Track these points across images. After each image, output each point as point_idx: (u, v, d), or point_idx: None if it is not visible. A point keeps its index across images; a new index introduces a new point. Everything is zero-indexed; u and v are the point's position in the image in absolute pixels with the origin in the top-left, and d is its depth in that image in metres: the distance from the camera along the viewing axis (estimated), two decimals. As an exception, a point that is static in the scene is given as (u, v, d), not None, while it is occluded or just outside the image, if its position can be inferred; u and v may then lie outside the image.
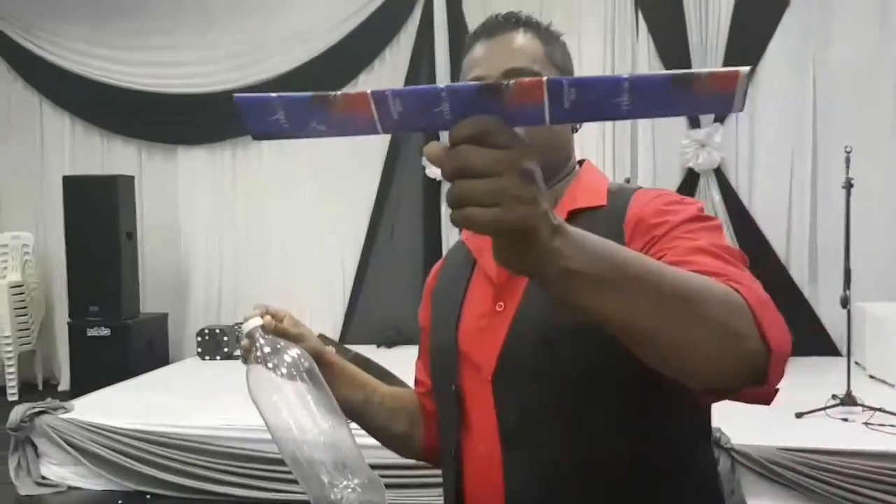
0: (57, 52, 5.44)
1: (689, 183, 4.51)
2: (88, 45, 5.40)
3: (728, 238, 0.91)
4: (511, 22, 1.00)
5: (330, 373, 0.99)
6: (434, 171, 4.98)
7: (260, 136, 0.62)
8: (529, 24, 1.00)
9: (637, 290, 0.63)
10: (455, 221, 0.57)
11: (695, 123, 4.52)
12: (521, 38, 0.98)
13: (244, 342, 0.92)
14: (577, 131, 1.04)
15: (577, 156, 1.04)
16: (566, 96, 0.54)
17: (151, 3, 5.31)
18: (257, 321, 0.92)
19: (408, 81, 5.01)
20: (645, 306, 0.64)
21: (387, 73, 5.13)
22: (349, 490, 0.82)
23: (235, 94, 0.60)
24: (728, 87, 0.53)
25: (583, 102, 0.55)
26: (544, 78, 0.54)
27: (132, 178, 5.19)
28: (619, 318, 0.64)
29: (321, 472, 0.83)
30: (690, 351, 0.66)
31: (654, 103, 0.55)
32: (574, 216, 0.94)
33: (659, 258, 0.76)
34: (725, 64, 4.43)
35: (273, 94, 0.58)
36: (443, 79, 4.91)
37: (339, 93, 0.57)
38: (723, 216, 4.41)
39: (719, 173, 4.52)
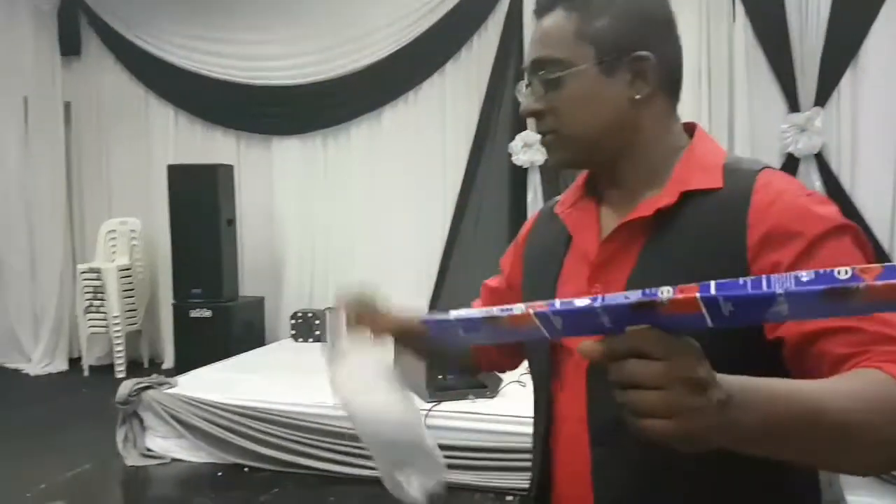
0: (161, 47, 5.71)
1: (789, 168, 4.32)
2: (190, 40, 5.65)
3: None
4: (542, 2, 0.93)
5: (419, 340, 1.04)
6: (521, 159, 4.97)
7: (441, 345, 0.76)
8: (545, 5, 0.92)
9: (802, 439, 0.65)
10: (635, 430, 0.60)
11: (794, 107, 4.34)
12: (548, 21, 0.92)
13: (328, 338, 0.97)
14: (639, 102, 0.91)
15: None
16: (723, 309, 0.55)
17: (234, 11, 5.51)
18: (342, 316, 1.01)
19: (494, 72, 5.02)
20: (808, 450, 0.67)
21: (474, 62, 5.14)
22: (411, 470, 0.94)
23: (423, 319, 0.72)
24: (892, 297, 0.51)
25: (740, 312, 0.55)
26: (697, 295, 0.54)
27: (231, 166, 5.41)
28: (784, 458, 0.68)
29: (391, 453, 0.94)
30: (851, 469, 0.72)
31: (811, 312, 0.56)
32: (687, 199, 0.87)
33: (803, 334, 0.76)
34: (826, 50, 4.23)
35: (452, 317, 0.67)
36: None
37: (505, 315, 0.63)
38: (824, 203, 4.21)
39: (820, 159, 4.32)
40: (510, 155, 5.00)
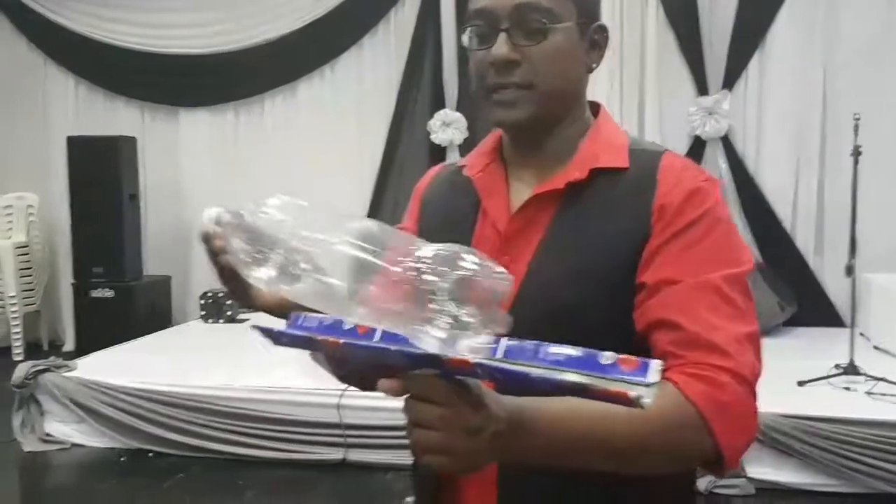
0: (60, 13, 5.38)
1: (696, 151, 4.46)
2: (91, 6, 5.34)
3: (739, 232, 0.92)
4: None
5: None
6: (440, 138, 4.94)
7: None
8: None
9: (582, 456, 0.75)
10: (418, 460, 0.68)
11: (703, 90, 4.46)
12: None
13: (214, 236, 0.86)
14: (592, 71, 0.94)
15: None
16: (494, 374, 0.63)
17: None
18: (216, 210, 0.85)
19: (413, 47, 4.96)
20: (591, 463, 0.76)
21: (392, 36, 5.07)
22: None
23: (254, 326, 0.74)
24: (620, 400, 0.60)
25: (507, 379, 0.64)
26: (474, 362, 0.61)
27: (134, 139, 5.16)
28: (569, 466, 0.76)
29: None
30: (644, 473, 0.80)
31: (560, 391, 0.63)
32: (595, 176, 0.89)
33: (657, 281, 0.83)
34: (734, 35, 4.35)
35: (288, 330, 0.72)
36: (449, 40, 4.84)
37: (328, 338, 0.68)
38: (729, 185, 4.37)
39: (726, 141, 4.46)
40: (429, 133, 4.96)
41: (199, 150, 5.42)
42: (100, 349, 4.15)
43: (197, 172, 5.44)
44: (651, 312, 0.83)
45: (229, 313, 4.90)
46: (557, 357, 0.62)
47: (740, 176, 4.43)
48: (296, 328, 0.71)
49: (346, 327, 0.68)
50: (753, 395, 0.80)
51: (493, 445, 0.67)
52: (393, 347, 0.64)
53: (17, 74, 5.55)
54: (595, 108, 0.98)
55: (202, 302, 4.97)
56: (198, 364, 3.81)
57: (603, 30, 0.93)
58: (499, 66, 0.88)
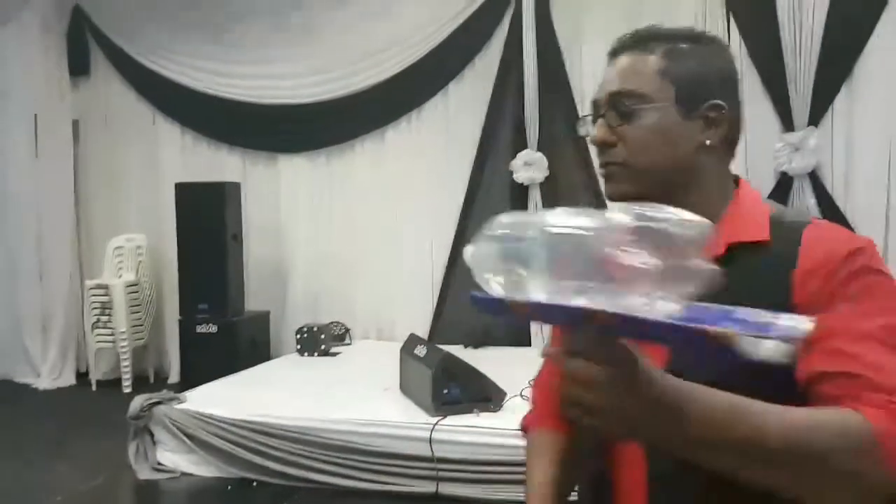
0: (167, 66, 5.81)
1: (783, 187, 4.44)
2: (196, 59, 5.75)
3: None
4: (627, 41, 1.00)
5: None
6: (522, 177, 5.08)
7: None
8: (648, 39, 0.98)
9: (742, 454, 0.72)
10: (574, 420, 0.71)
11: (788, 126, 4.44)
12: (631, 59, 0.98)
13: None
14: (711, 147, 0.97)
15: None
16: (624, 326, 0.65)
17: (253, 19, 5.62)
18: None
19: (496, 92, 5.14)
20: (750, 467, 0.72)
21: (476, 82, 5.25)
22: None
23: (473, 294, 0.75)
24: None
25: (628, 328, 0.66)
26: (607, 311, 0.63)
27: (238, 184, 5.51)
28: (727, 471, 0.74)
29: None
30: (810, 497, 0.74)
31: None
32: (734, 251, 0.90)
33: (816, 337, 0.71)
34: (820, 71, 4.32)
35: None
36: (531, 84, 5.00)
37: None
38: (818, 221, 4.31)
39: (814, 177, 4.42)
40: (511, 172, 5.11)
41: (297, 193, 5.73)
42: (203, 382, 4.37)
43: (294, 214, 5.75)
44: (813, 365, 0.82)
45: (323, 347, 5.12)
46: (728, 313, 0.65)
47: (830, 212, 4.36)
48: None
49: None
50: None
51: (649, 414, 0.69)
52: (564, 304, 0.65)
53: (130, 125, 5.99)
54: (735, 180, 1.01)
55: (298, 336, 5.21)
56: (295, 396, 3.99)
57: (719, 108, 0.96)
58: (598, 147, 0.99)
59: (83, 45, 5.96)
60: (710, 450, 0.72)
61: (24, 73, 5.78)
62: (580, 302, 0.64)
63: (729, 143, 0.99)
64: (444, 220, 5.31)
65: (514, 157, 5.11)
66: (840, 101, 4.40)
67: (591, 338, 0.67)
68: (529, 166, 5.07)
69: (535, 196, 5.11)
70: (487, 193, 5.25)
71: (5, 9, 5.72)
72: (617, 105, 0.97)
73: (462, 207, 5.27)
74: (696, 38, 0.99)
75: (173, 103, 5.88)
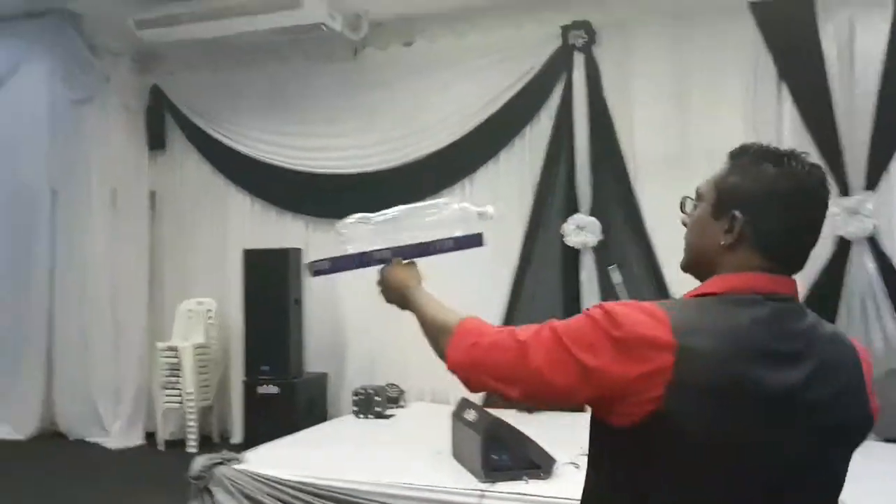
0: (238, 140, 6.17)
1: (841, 252, 4.37)
2: (264, 133, 6.09)
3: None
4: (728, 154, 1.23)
5: None
6: (573, 241, 5.14)
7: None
8: (733, 154, 1.20)
9: (419, 321, 1.43)
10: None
11: (844, 190, 4.40)
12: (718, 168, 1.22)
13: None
14: (728, 248, 1.14)
15: None
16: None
17: (316, 96, 5.94)
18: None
19: (547, 160, 5.28)
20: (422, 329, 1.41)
21: (527, 151, 5.41)
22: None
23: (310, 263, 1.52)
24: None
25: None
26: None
27: (300, 250, 5.74)
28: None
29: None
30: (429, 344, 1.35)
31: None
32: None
33: None
34: (875, 135, 4.30)
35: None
36: (582, 149, 5.12)
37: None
38: (878, 285, 4.24)
39: (872, 242, 4.34)
40: (563, 236, 5.18)
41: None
42: (264, 442, 4.51)
43: (351, 278, 5.89)
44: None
45: (378, 409, 5.20)
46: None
47: (889, 276, 4.27)
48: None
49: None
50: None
51: (390, 295, 1.55)
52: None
53: (203, 195, 6.35)
54: (789, 287, 1.15)
55: (354, 398, 5.32)
56: (348, 458, 4.05)
57: (734, 218, 1.13)
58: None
59: (160, 121, 6.40)
60: (413, 313, 1.43)
61: (105, 148, 6.22)
62: (373, 248, 1.51)
63: (758, 248, 1.13)
64: (497, 285, 5.39)
65: (565, 220, 5.19)
66: (896, 165, 4.35)
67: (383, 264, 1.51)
68: (581, 230, 5.13)
69: (587, 260, 5.15)
70: (540, 258, 5.32)
71: (88, 87, 6.20)
72: (694, 198, 1.24)
73: (515, 272, 5.34)
74: (755, 157, 1.16)
75: (243, 174, 6.21)
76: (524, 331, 1.15)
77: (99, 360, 6.21)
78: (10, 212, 6.31)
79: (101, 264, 6.22)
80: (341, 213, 6.11)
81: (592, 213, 5.12)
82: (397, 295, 1.49)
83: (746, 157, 1.16)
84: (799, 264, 1.15)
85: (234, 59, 6.12)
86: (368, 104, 5.79)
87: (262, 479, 3.86)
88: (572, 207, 5.19)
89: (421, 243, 1.49)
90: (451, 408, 4.14)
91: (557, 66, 5.27)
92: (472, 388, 1.22)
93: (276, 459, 4.11)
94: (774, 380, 1.03)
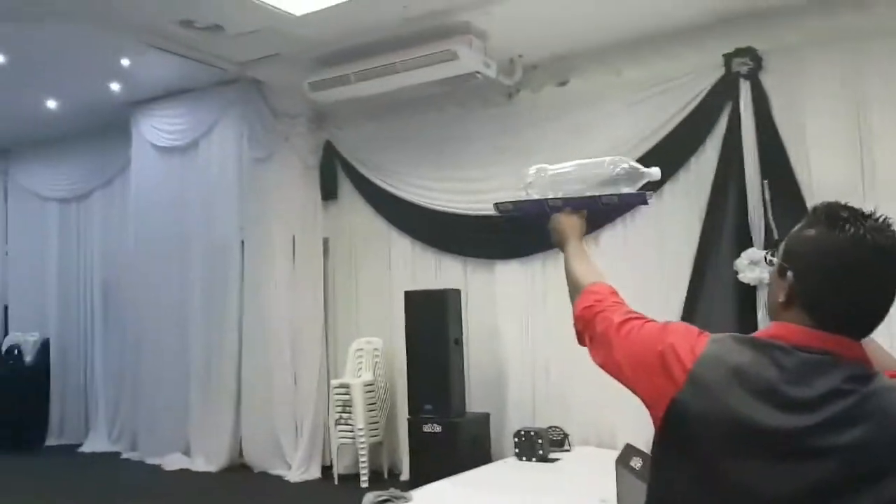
0: (400, 187, 6.48)
1: None
2: (422, 179, 6.36)
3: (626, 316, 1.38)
4: None
5: None
6: (748, 277, 4.86)
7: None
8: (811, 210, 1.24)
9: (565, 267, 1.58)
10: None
11: None
12: None
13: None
14: (784, 305, 1.18)
15: None
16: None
17: (470, 142, 6.12)
18: None
19: (714, 192, 5.07)
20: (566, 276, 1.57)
21: (692, 184, 5.24)
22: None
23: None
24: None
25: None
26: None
27: (458, 290, 5.88)
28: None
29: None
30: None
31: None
32: None
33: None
34: None
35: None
36: (753, 185, 4.88)
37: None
38: None
39: None
40: (736, 273, 4.92)
41: (513, 297, 5.97)
42: (429, 480, 4.61)
43: (511, 318, 5.96)
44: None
45: (541, 452, 5.15)
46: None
47: None
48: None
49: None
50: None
51: (556, 236, 1.67)
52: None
53: (369, 239, 6.71)
54: (857, 355, 1.15)
55: (516, 440, 5.31)
56: (510, 503, 4.07)
57: (785, 277, 1.17)
58: None
59: (332, 173, 6.87)
60: (565, 261, 1.59)
61: (284, 201, 6.76)
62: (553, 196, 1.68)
63: (807, 310, 1.15)
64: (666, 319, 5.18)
65: (737, 255, 4.93)
66: None
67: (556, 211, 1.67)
68: (756, 265, 4.85)
69: (763, 296, 4.85)
70: (710, 296, 5.08)
71: (269, 146, 6.78)
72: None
73: (683, 309, 5.13)
74: (815, 217, 1.17)
75: (404, 218, 6.49)
76: (627, 314, 1.34)
77: (280, 397, 6.65)
78: (207, 261, 6.98)
79: (281, 307, 6.70)
80: (498, 254, 6.29)
81: (766, 247, 4.83)
82: (559, 241, 1.64)
83: (812, 216, 1.17)
84: (863, 328, 1.14)
85: (395, 111, 6.45)
86: (524, 145, 5.86)
87: (428, 519, 3.95)
88: (744, 241, 4.93)
89: (590, 196, 1.62)
90: (616, 453, 4.02)
91: (721, 95, 5.08)
92: (580, 342, 1.43)
93: (441, 500, 4.20)
94: (774, 420, 1.06)
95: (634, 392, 1.24)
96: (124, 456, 7.53)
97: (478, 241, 6.07)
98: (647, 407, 1.20)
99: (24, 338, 8.72)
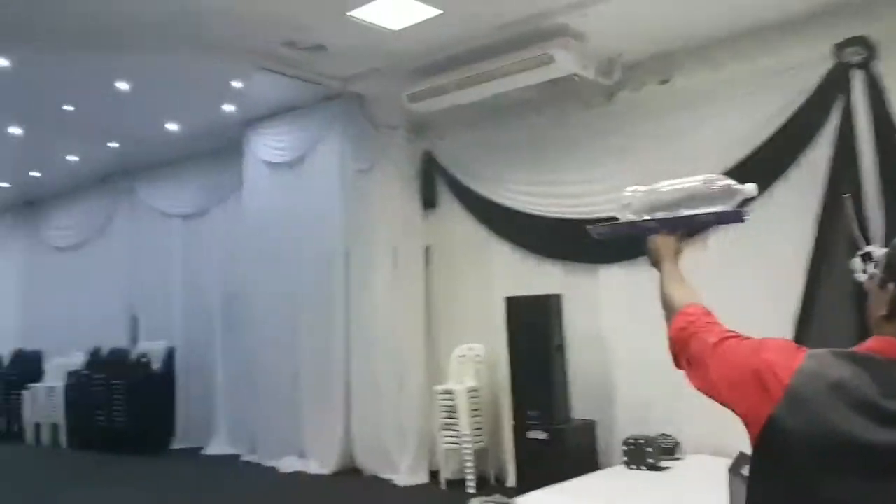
0: (499, 193, 6.51)
1: None
2: (521, 185, 6.36)
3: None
4: None
5: None
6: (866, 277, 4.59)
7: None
8: None
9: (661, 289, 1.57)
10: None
11: None
12: None
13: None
14: (885, 317, 1.14)
15: None
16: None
17: (570, 142, 6.08)
18: None
19: (829, 190, 4.81)
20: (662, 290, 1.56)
21: (804, 180, 4.97)
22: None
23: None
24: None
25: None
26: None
27: (559, 295, 5.83)
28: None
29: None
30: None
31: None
32: None
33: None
34: None
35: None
36: (870, 180, 4.60)
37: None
38: None
39: None
40: (853, 272, 4.65)
41: (617, 302, 5.86)
42: (535, 487, 4.60)
43: (615, 324, 5.86)
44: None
45: (651, 460, 5.03)
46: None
47: None
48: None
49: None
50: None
51: (653, 257, 1.64)
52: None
53: (469, 247, 6.77)
54: None
55: (624, 448, 5.21)
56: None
57: (887, 289, 1.15)
58: None
59: (431, 183, 6.99)
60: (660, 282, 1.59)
61: (385, 211, 6.93)
62: (648, 217, 1.66)
63: None
64: (778, 326, 4.96)
65: (854, 255, 4.66)
66: None
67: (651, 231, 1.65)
68: (876, 266, 4.56)
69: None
70: (827, 299, 4.82)
71: (370, 158, 6.99)
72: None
73: (798, 315, 4.89)
74: None
75: (504, 225, 6.51)
76: (722, 334, 1.32)
77: (386, 403, 6.81)
78: (315, 271, 7.25)
79: (385, 314, 6.87)
80: (600, 259, 6.19)
81: (887, 245, 4.52)
82: (654, 262, 1.65)
83: None
84: None
85: (493, 117, 6.49)
86: (623, 147, 5.76)
87: (534, 526, 3.95)
88: (862, 240, 4.65)
89: (685, 216, 1.62)
90: (730, 462, 3.88)
91: (832, 87, 4.83)
92: (677, 365, 1.42)
93: (545, 506, 4.19)
94: (873, 434, 1.04)
95: (733, 411, 1.22)
96: (244, 458, 7.92)
97: (579, 245, 6.00)
98: (746, 425, 1.19)
99: (153, 346, 9.34)
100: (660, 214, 1.66)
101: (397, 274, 6.92)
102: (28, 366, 10.71)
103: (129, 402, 8.82)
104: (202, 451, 8.50)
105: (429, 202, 7.00)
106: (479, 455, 6.28)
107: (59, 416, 9.64)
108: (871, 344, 1.15)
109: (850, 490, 1.04)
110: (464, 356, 6.48)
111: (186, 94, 6.89)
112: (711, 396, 1.29)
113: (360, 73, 6.32)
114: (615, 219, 1.74)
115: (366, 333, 6.94)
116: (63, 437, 9.62)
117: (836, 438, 1.05)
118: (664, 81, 5.69)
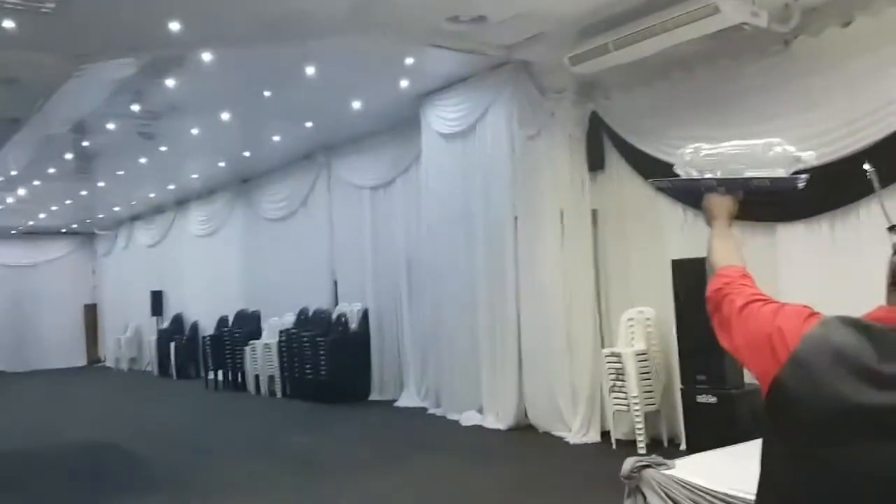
0: (667, 152, 6.28)
1: None
2: (690, 141, 5.89)
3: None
4: None
5: None
6: None
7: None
8: None
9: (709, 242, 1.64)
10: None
11: None
12: None
13: None
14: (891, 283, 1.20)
15: None
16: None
17: (744, 94, 5.74)
18: None
19: None
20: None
21: None
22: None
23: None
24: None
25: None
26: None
27: (730, 256, 5.59)
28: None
29: None
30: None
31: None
32: None
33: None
34: None
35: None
36: None
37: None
38: None
39: None
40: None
41: (795, 261, 5.52)
42: (706, 450, 4.54)
43: (795, 284, 5.51)
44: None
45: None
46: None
47: None
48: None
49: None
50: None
51: (708, 214, 1.69)
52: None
53: (638, 208, 6.62)
54: None
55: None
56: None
57: (891, 261, 1.22)
58: None
59: (599, 144, 6.92)
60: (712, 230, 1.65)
61: (552, 175, 7.01)
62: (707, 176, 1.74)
63: None
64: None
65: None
66: None
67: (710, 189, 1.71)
68: None
69: None
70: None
71: (538, 123, 7.07)
72: None
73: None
74: None
75: (674, 185, 6.29)
76: (750, 297, 1.38)
77: (557, 363, 6.97)
78: (487, 237, 7.54)
79: (553, 277, 7.00)
80: (779, 216, 5.84)
81: None
82: (708, 220, 1.70)
83: None
84: None
85: (663, 73, 6.29)
86: (802, 97, 5.35)
87: (688, 486, 3.93)
88: None
89: (742, 178, 1.68)
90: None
91: None
92: (713, 324, 1.47)
93: (706, 469, 4.12)
94: (872, 398, 1.07)
95: (751, 373, 1.30)
96: (430, 411, 8.52)
97: (756, 203, 5.69)
98: (761, 387, 1.24)
99: (350, 308, 10.23)
100: (718, 174, 1.70)
101: (565, 237, 6.99)
102: (249, 324, 12.19)
103: (331, 357, 9.78)
104: (394, 404, 9.23)
105: (596, 164, 6.95)
106: (651, 417, 6.25)
107: (275, 370, 10.90)
108: (877, 312, 1.18)
109: (850, 452, 1.08)
110: (633, 319, 6.45)
111: (366, 74, 7.41)
112: (736, 357, 1.36)
113: (522, 40, 6.41)
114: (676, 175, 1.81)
115: (536, 297, 7.12)
116: (278, 388, 10.88)
117: (837, 403, 1.09)
118: (847, 24, 5.19)
